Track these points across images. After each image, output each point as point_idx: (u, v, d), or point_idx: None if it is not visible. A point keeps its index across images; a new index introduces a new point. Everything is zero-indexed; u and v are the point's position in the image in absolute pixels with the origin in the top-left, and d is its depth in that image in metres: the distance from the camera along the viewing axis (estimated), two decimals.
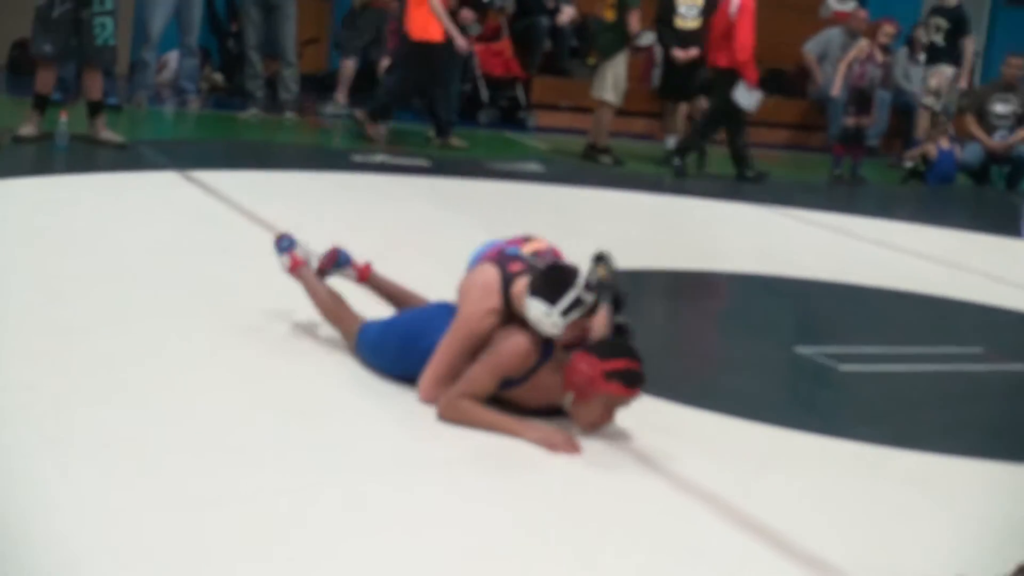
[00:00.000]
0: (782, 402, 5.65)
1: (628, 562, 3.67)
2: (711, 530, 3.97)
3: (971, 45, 15.21)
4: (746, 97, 12.11)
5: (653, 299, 7.50)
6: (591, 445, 4.48)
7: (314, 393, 4.81)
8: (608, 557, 3.69)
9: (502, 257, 4.89)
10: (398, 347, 4.94)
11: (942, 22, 15.12)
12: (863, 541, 4.01)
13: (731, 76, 12.10)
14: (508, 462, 4.33)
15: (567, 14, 15.03)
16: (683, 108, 13.24)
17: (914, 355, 6.44)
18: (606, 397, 4.53)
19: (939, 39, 15.11)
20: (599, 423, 4.59)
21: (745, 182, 12.33)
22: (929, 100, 14.89)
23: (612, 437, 4.59)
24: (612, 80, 12.45)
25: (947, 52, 15.11)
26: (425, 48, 11.95)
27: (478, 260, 5.00)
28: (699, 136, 12.67)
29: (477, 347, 4.71)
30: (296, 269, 5.49)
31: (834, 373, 6.01)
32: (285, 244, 5.56)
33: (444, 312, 4.96)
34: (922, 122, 15.03)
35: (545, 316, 4.57)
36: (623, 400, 4.56)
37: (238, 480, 3.88)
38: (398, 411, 4.69)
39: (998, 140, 14.11)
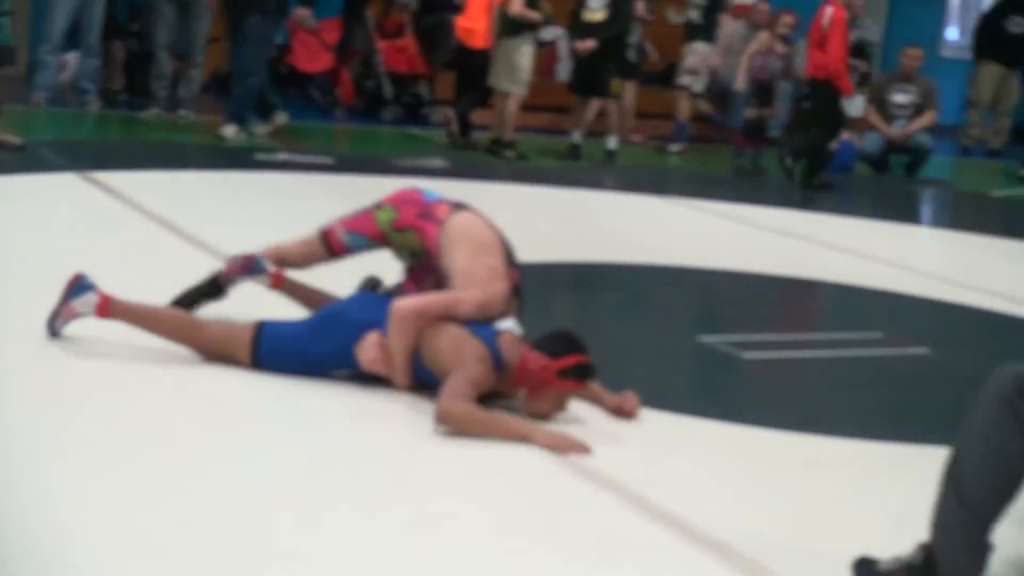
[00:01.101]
0: (687, 390, 5.70)
1: (535, 549, 3.70)
2: (617, 517, 4.00)
3: (729, 22, 14.77)
4: (849, 105, 12.39)
5: (559, 292, 7.53)
6: (488, 440, 4.50)
7: (243, 397, 4.79)
8: (515, 544, 3.71)
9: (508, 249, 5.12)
10: (341, 342, 4.86)
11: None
12: (768, 525, 4.06)
13: (825, 85, 12.25)
14: (407, 457, 4.35)
15: None
16: (595, 104, 13.22)
17: (816, 341, 6.52)
18: (559, 393, 4.68)
19: (696, 16, 14.51)
20: (553, 413, 4.75)
21: (812, 189, 12.43)
22: (686, 80, 14.43)
23: None
24: (516, 70, 12.46)
25: (704, 29, 14.53)
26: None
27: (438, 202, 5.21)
28: (818, 145, 12.78)
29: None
30: (106, 307, 5.00)
31: (737, 361, 6.07)
32: (87, 284, 5.03)
33: (370, 299, 5.01)
34: (681, 105, 14.62)
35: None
36: (576, 394, 4.76)
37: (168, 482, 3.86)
38: (308, 413, 4.68)
39: (897, 129, 14.27)
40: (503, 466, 4.32)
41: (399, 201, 5.22)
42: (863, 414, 5.47)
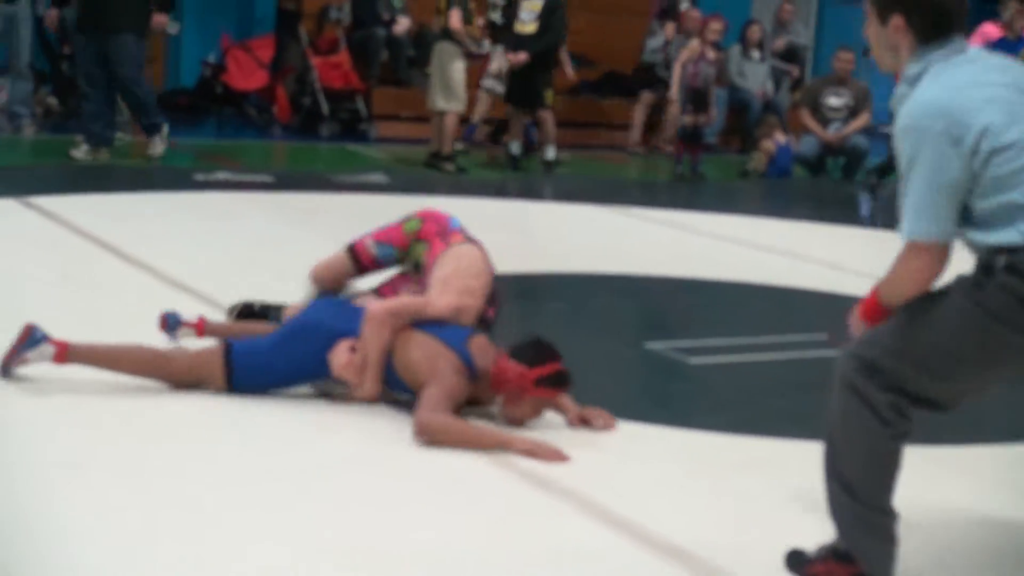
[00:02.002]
0: (636, 397, 5.73)
1: (491, 558, 3.72)
2: (572, 525, 4.03)
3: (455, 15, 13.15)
4: None
5: (505, 304, 7.53)
6: (442, 448, 4.53)
7: (202, 419, 4.79)
8: (471, 554, 3.73)
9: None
10: (315, 351, 4.88)
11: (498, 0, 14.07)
12: (720, 527, 4.10)
13: None
14: (365, 470, 4.36)
15: (403, 24, 15.05)
16: (548, 116, 13.20)
17: (760, 345, 6.56)
18: (536, 400, 4.74)
19: (497, 17, 13.91)
20: (529, 420, 4.82)
21: None
22: (489, 83, 13.87)
23: None
24: (450, 87, 12.47)
25: (505, 30, 13.64)
26: None
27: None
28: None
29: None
30: (64, 355, 4.86)
31: (684, 366, 6.11)
32: (39, 336, 4.86)
33: (337, 305, 5.08)
34: (480, 107, 14.05)
35: None
36: (553, 401, 4.81)
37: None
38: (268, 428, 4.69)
39: (833, 132, 14.40)
40: (457, 476, 4.34)
41: (427, 216, 5.40)
42: (810, 415, 5.47)
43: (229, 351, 4.89)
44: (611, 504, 4.17)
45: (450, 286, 5.06)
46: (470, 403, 4.87)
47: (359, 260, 5.41)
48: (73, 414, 4.70)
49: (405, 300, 5.04)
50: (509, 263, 8.29)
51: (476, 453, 4.50)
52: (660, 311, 7.99)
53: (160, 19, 11.49)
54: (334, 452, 4.53)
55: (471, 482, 4.32)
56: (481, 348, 4.83)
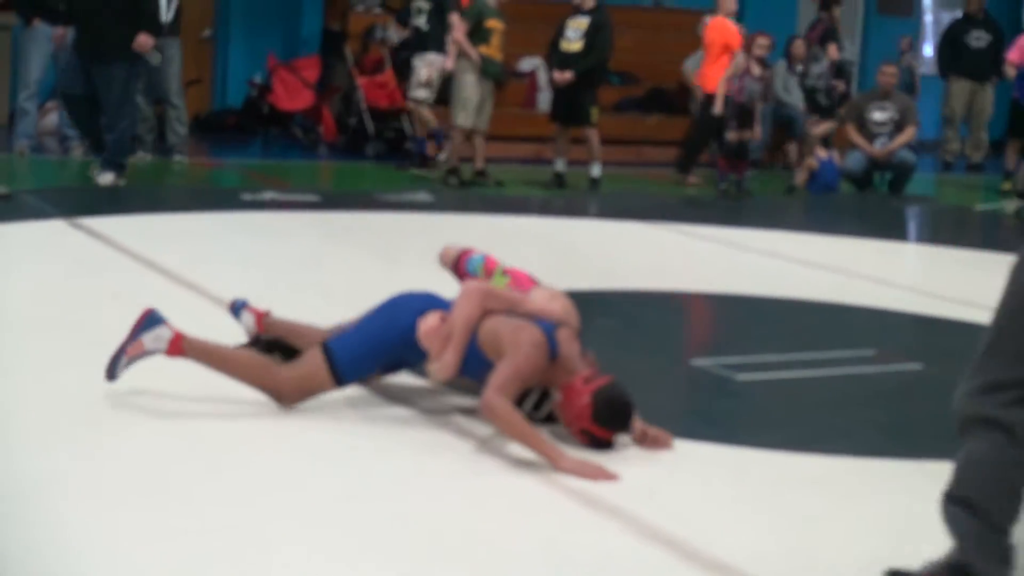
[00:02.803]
0: (683, 414, 5.71)
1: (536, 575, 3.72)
2: (619, 542, 4.01)
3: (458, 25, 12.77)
4: None
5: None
6: (491, 466, 4.53)
7: (240, 430, 4.83)
8: (516, 571, 3.72)
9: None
10: (405, 324, 4.97)
11: (424, 4, 13.47)
12: (768, 544, 4.08)
13: None
14: (410, 487, 4.36)
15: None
16: (593, 134, 13.17)
17: (809, 361, 6.53)
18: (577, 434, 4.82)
19: (422, 23, 13.49)
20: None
21: None
22: (421, 93, 13.49)
23: (515, 455, 4.63)
24: (460, 101, 12.50)
25: (434, 38, 13.34)
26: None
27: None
28: None
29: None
30: (179, 344, 4.93)
31: (732, 383, 6.08)
32: (157, 317, 4.97)
33: (429, 295, 5.13)
34: (415, 121, 13.91)
35: None
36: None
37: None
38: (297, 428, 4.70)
39: (879, 147, 14.34)
40: (505, 493, 4.34)
41: (519, 273, 5.52)
42: (857, 431, 5.48)
43: (328, 352, 4.93)
44: (658, 521, 4.15)
45: (553, 304, 5.17)
46: (541, 399, 4.95)
47: (459, 258, 5.60)
48: (121, 434, 4.75)
49: (506, 289, 5.14)
50: (555, 281, 8.31)
51: (524, 472, 4.50)
52: (706, 328, 7.97)
53: (144, 39, 10.93)
54: (376, 470, 4.53)
55: (518, 499, 4.31)
56: (567, 338, 4.88)
